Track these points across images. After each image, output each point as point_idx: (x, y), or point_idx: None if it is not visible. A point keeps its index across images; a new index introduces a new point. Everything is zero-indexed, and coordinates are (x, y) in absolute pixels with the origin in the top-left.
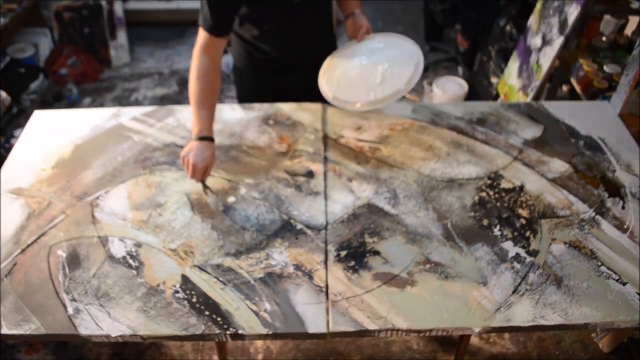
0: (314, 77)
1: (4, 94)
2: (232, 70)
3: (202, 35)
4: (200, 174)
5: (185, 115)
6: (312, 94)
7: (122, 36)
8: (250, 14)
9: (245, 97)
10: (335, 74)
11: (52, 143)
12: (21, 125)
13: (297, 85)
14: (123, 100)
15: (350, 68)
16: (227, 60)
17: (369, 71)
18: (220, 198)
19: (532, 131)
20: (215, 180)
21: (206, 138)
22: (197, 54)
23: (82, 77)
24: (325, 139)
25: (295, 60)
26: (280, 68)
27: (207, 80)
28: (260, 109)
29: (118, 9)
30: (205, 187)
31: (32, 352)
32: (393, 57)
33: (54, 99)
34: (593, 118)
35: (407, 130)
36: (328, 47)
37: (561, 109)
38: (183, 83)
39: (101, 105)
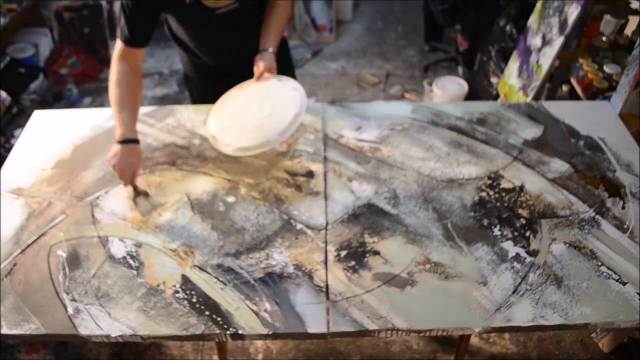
0: None
1: (4, 94)
2: (183, 77)
3: (119, 45)
4: (128, 178)
5: (185, 116)
6: None
7: None
8: (177, 25)
9: (196, 103)
10: (223, 113)
11: (52, 143)
12: (21, 125)
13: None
14: None
15: (236, 108)
16: None
17: (248, 116)
18: (153, 202)
19: (532, 131)
20: (216, 179)
21: (129, 140)
22: (115, 62)
23: (82, 77)
24: (325, 139)
25: (232, 67)
26: (220, 74)
27: (126, 84)
28: None
29: (118, 9)
30: (137, 191)
31: (32, 352)
32: (278, 103)
33: (54, 99)
34: (593, 118)
35: (407, 130)
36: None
37: (561, 109)
38: (183, 83)
39: (101, 105)
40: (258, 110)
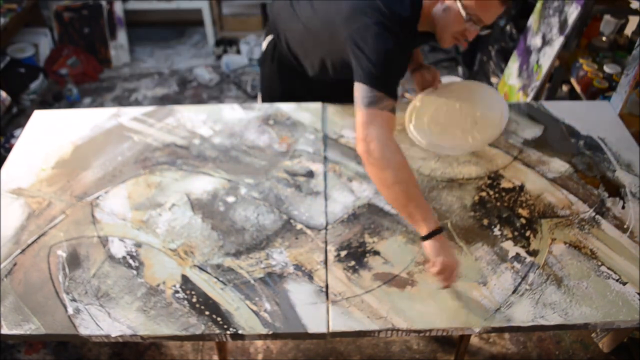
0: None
1: (4, 94)
2: (264, 60)
3: (387, 115)
4: (455, 271)
5: (185, 116)
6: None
7: (122, 36)
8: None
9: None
10: (424, 120)
11: (52, 143)
12: (21, 125)
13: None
14: (123, 100)
15: (438, 114)
16: (227, 60)
17: (457, 116)
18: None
19: (532, 131)
20: (216, 179)
21: (441, 230)
22: (390, 137)
23: (82, 77)
24: (325, 138)
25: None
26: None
27: (410, 169)
28: (261, 109)
29: (118, 9)
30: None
31: (32, 352)
32: (477, 102)
33: (54, 99)
34: (593, 118)
35: (407, 130)
36: None
37: (561, 109)
38: (183, 83)
39: (101, 105)
40: (462, 111)
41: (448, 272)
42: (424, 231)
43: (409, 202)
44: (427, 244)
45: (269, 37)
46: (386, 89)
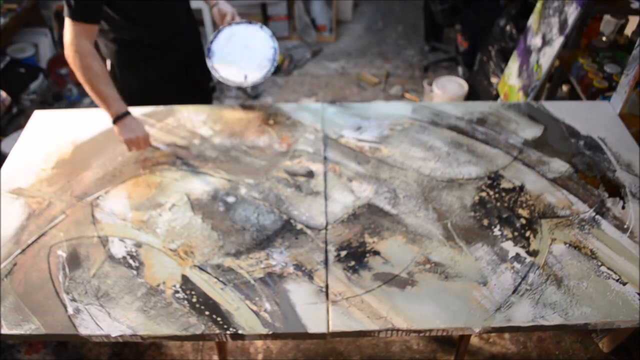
0: (187, 61)
1: (4, 94)
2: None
3: (73, 25)
4: (148, 141)
5: (185, 116)
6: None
7: None
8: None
9: (129, 90)
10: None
11: (52, 143)
12: (21, 125)
13: (175, 69)
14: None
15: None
16: None
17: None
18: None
19: (532, 131)
20: (216, 179)
21: (127, 113)
22: (73, 42)
23: None
24: (325, 139)
25: (167, 39)
26: (157, 52)
27: (97, 61)
28: (261, 109)
29: None
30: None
31: (32, 352)
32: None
33: (54, 99)
34: (593, 118)
35: (407, 130)
36: (190, 32)
37: (561, 109)
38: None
39: None
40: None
41: (135, 143)
42: (111, 115)
43: (93, 91)
44: (116, 126)
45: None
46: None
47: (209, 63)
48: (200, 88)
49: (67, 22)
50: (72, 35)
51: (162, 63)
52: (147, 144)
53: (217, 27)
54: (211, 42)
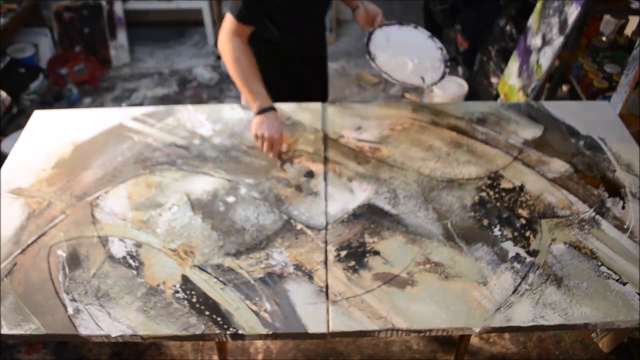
0: (315, 66)
1: (4, 94)
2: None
3: (232, 21)
4: (279, 145)
5: (185, 116)
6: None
7: (122, 36)
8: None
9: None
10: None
11: (52, 143)
12: (21, 125)
13: (303, 72)
14: (123, 100)
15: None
16: None
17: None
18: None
19: (532, 131)
20: (216, 179)
21: (270, 109)
22: (229, 37)
23: (84, 82)
24: (325, 139)
25: (297, 50)
26: (284, 58)
27: (248, 56)
28: None
29: (118, 9)
30: (283, 161)
31: (32, 352)
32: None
33: (54, 99)
34: (593, 118)
35: (407, 130)
36: (321, 38)
37: (561, 109)
38: (183, 83)
39: (101, 105)
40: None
41: (263, 139)
42: (253, 109)
43: (242, 83)
44: (253, 120)
45: None
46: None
47: (374, 65)
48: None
49: (229, 19)
50: (230, 31)
51: (292, 66)
52: (275, 146)
53: (362, 29)
54: (367, 44)
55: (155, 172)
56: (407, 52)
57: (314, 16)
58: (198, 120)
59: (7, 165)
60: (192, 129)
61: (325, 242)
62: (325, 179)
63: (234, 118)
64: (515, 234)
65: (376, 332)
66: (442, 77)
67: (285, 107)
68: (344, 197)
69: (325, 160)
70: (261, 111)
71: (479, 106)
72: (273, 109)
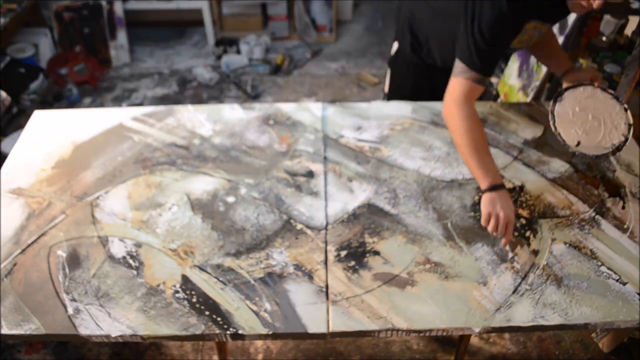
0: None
1: (4, 94)
2: (394, 61)
3: (468, 84)
4: (512, 225)
5: (185, 116)
6: None
7: (122, 36)
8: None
9: (401, 88)
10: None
11: (52, 143)
12: (21, 125)
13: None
14: (123, 100)
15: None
16: (227, 60)
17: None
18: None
19: (532, 131)
20: (216, 179)
21: (502, 186)
22: (462, 104)
23: (83, 82)
24: (325, 139)
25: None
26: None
27: (480, 127)
28: (261, 109)
29: (118, 9)
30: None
31: (32, 352)
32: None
33: (54, 99)
34: None
35: (407, 130)
36: None
37: None
38: (183, 83)
39: (101, 105)
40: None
41: (503, 223)
42: (483, 185)
43: (472, 156)
44: (483, 197)
45: (396, 44)
46: (482, 67)
47: (551, 106)
48: None
49: (461, 83)
50: (464, 94)
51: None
52: (509, 226)
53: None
54: (567, 88)
55: (155, 172)
56: (593, 117)
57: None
58: (198, 120)
59: (7, 165)
60: (192, 129)
61: (325, 242)
62: (325, 179)
63: (234, 118)
64: (516, 233)
65: (376, 332)
66: (596, 155)
67: (285, 107)
68: (344, 197)
69: (325, 160)
70: (493, 188)
71: (479, 106)
72: (504, 186)
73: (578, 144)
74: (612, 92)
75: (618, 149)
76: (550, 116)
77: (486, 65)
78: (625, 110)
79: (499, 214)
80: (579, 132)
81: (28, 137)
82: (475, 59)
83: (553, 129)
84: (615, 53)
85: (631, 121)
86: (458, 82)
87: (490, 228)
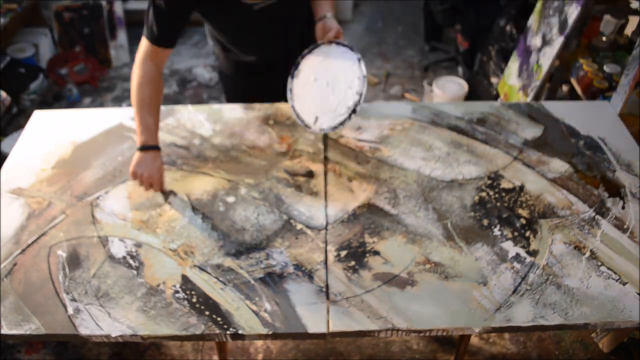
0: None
1: (4, 94)
2: (218, 75)
3: (145, 44)
4: (159, 184)
5: (185, 116)
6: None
7: (122, 36)
8: (212, 23)
9: (233, 100)
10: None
11: (52, 143)
12: (21, 125)
13: (281, 86)
14: (123, 100)
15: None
16: None
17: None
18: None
19: (532, 131)
20: (216, 179)
21: (153, 147)
22: (140, 62)
23: (83, 82)
24: (325, 138)
25: (272, 63)
26: (259, 71)
27: (152, 87)
28: (261, 109)
29: (118, 9)
30: (167, 194)
31: (32, 352)
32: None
33: (54, 99)
34: (593, 118)
35: (407, 130)
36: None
37: (561, 109)
38: (183, 83)
39: (101, 105)
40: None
41: (139, 177)
42: (137, 142)
43: (136, 112)
44: (133, 156)
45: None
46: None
47: (289, 83)
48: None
49: (143, 42)
50: (142, 55)
51: (259, 81)
52: (153, 185)
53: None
54: (302, 56)
55: None
56: (327, 82)
57: (271, 22)
58: (198, 120)
59: (7, 165)
60: (192, 129)
61: (325, 242)
62: (325, 179)
63: (234, 118)
64: (515, 234)
65: (376, 332)
66: (336, 127)
67: (286, 107)
68: (344, 197)
69: (325, 160)
70: (143, 148)
71: (479, 106)
72: (157, 148)
73: (316, 120)
74: (346, 43)
75: (354, 111)
76: (288, 95)
77: (157, 33)
78: (359, 61)
79: (143, 174)
80: (317, 106)
81: (28, 137)
82: (149, 25)
83: (292, 111)
84: (615, 53)
85: (364, 73)
86: (143, 43)
87: (140, 185)
